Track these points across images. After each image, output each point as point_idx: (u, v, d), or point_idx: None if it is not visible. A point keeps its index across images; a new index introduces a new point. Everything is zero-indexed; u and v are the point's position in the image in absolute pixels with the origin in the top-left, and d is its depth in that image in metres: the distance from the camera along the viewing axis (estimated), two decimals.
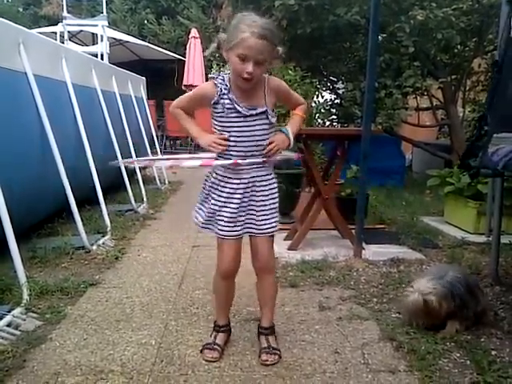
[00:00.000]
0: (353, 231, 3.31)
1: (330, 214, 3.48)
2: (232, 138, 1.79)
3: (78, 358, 1.88)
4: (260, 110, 1.79)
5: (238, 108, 1.77)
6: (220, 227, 1.84)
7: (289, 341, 2.04)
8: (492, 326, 2.19)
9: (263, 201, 1.85)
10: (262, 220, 1.85)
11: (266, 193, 1.86)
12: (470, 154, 2.35)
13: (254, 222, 1.86)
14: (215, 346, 1.91)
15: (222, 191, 1.83)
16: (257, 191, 1.84)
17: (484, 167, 2.26)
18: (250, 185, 1.83)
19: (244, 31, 1.65)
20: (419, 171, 7.09)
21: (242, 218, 1.84)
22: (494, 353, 1.94)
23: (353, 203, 3.24)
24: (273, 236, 1.91)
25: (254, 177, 1.83)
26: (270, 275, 1.96)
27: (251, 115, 1.78)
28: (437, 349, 1.96)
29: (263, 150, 1.81)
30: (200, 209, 1.92)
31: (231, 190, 1.82)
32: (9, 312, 2.14)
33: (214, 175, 1.86)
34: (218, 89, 1.78)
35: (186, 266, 3.05)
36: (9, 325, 2.07)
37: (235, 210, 1.82)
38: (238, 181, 1.81)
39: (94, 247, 3.25)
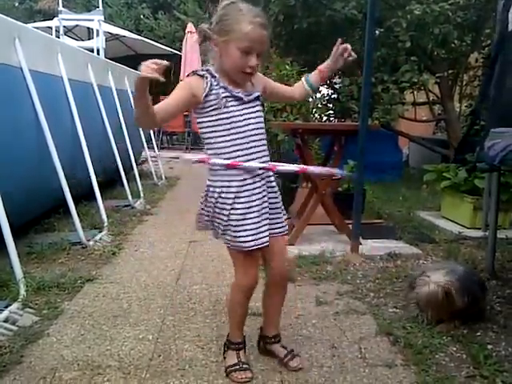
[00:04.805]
0: (350, 226, 3.31)
1: (327, 210, 3.48)
2: (234, 131, 1.60)
3: (75, 354, 1.88)
4: (256, 94, 1.66)
5: (237, 94, 1.60)
6: (243, 239, 1.60)
7: (286, 336, 2.04)
8: (488, 320, 2.20)
9: (275, 198, 1.72)
10: (278, 219, 1.72)
11: (275, 189, 1.72)
12: (463, 148, 2.36)
13: (271, 223, 1.68)
14: (244, 366, 1.73)
15: (237, 202, 1.60)
16: (271, 187, 1.70)
17: (480, 162, 2.26)
18: (264, 182, 1.66)
19: (247, 23, 1.51)
20: (416, 166, 7.10)
21: (266, 222, 1.64)
22: (490, 347, 1.95)
23: (350, 198, 3.24)
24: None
25: (267, 174, 1.67)
26: (286, 282, 1.83)
27: (249, 101, 1.64)
28: (433, 343, 1.97)
29: (264, 139, 1.68)
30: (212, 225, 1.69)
31: (248, 194, 1.61)
32: (6, 308, 2.14)
33: (221, 192, 1.62)
34: (207, 80, 1.58)
35: (183, 261, 3.05)
36: (6, 320, 2.06)
37: (258, 217, 1.61)
38: (253, 182, 1.63)
39: (91, 243, 3.25)
